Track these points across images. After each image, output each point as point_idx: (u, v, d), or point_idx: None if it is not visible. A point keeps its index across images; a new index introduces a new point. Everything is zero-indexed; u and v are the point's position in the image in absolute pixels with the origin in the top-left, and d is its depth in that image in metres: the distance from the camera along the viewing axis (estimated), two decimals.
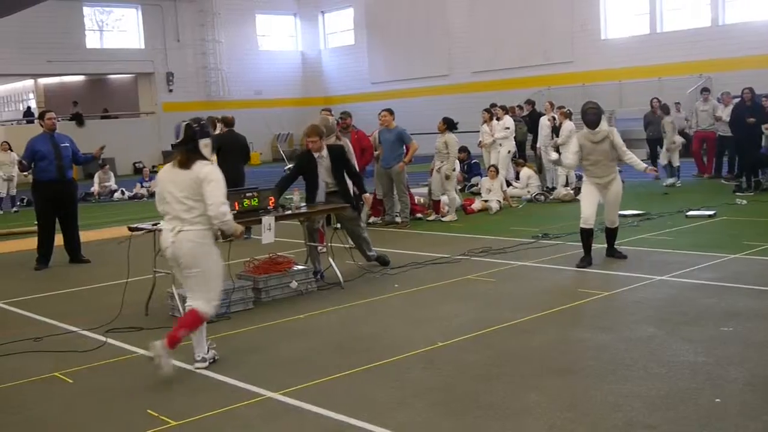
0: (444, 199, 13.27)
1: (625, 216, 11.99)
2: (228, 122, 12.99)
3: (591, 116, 8.67)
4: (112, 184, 22.41)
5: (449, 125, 13.12)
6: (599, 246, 9.08)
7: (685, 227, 11.00)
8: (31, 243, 11.43)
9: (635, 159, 8.95)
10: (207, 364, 5.74)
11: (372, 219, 13.11)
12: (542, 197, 15.24)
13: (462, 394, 5.01)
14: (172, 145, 5.77)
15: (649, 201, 13.69)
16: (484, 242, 10.53)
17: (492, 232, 11.56)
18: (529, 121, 18.40)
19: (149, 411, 4.91)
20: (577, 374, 5.26)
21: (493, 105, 17.29)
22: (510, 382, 5.18)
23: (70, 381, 5.69)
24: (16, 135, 24.94)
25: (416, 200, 14.02)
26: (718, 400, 4.62)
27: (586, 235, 8.76)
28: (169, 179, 5.65)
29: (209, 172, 5.57)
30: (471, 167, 17.81)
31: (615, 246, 9.06)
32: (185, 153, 5.61)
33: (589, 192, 8.80)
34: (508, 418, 4.58)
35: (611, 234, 9.02)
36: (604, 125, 8.70)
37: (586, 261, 8.71)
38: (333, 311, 7.35)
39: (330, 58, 38.62)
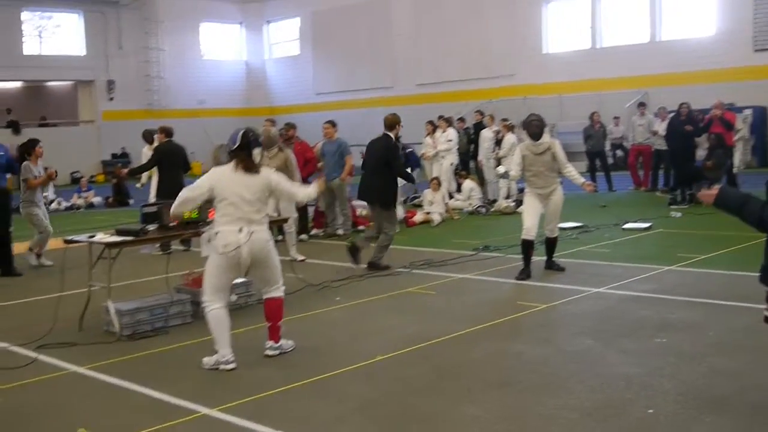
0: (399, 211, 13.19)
1: (564, 228, 12.16)
2: (167, 132, 12.84)
3: (534, 128, 8.83)
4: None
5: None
6: (539, 258, 9.19)
7: (622, 240, 11.20)
8: None
9: (574, 173, 9.05)
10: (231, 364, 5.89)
11: (314, 231, 13.08)
12: (484, 209, 15.37)
13: (401, 408, 5.01)
14: (229, 150, 6.03)
15: (587, 213, 13.90)
16: (426, 255, 10.57)
17: (433, 244, 11.61)
18: (474, 132, 18.51)
19: (81, 430, 4.78)
20: (514, 387, 5.30)
21: (440, 117, 17.38)
22: (449, 396, 5.19)
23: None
24: None
25: (358, 212, 14.00)
26: (650, 410, 4.71)
27: (527, 247, 8.84)
28: (238, 181, 5.90)
29: (275, 175, 6.24)
30: (408, 157, 17.39)
31: (554, 258, 9.17)
32: (247, 159, 5.96)
33: (532, 203, 8.90)
34: (446, 431, 4.59)
35: (551, 244, 9.13)
36: (546, 137, 8.88)
37: (525, 273, 8.78)
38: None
39: (274, 68, 38.45)
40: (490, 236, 11.91)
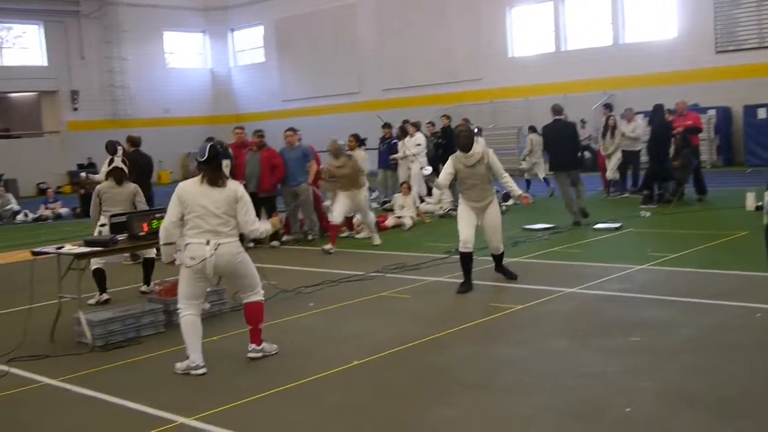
0: (371, 218, 13.10)
1: (534, 230, 12.26)
2: (134, 142, 12.73)
3: (463, 140, 8.35)
4: (13, 205, 21.59)
5: (359, 141, 13.23)
6: (514, 260, 9.22)
7: (593, 240, 11.29)
8: None
9: (511, 182, 8.75)
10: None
11: (285, 237, 13.03)
12: (455, 212, 15.36)
13: (379, 413, 5.00)
14: (197, 162, 6.02)
15: (558, 215, 13.97)
16: (398, 258, 10.56)
17: (406, 248, 11.61)
18: (443, 136, 18.54)
19: None
20: (491, 388, 5.32)
21: (405, 121, 17.43)
22: (426, 399, 5.19)
23: None
24: None
25: (329, 217, 13.96)
26: (628, 409, 4.74)
27: (465, 259, 8.39)
28: (202, 194, 5.90)
29: (243, 192, 6.08)
30: (391, 147, 17.28)
31: (504, 266, 8.84)
32: (213, 171, 5.94)
33: (466, 215, 8.47)
34: None
35: (497, 259, 8.80)
36: (477, 148, 8.35)
37: (465, 285, 8.34)
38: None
39: (240, 75, 38.30)
40: (458, 239, 11.92)
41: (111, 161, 13.90)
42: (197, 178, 6.00)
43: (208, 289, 7.75)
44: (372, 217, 12.51)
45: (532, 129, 18.62)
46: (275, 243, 12.60)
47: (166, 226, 6.03)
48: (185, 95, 36.50)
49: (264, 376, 5.85)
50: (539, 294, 7.97)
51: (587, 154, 20.94)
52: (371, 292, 8.60)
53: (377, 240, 12.15)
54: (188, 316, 6.00)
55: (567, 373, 5.48)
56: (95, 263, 8.42)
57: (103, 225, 8.44)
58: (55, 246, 7.70)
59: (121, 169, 9.33)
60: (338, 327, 7.31)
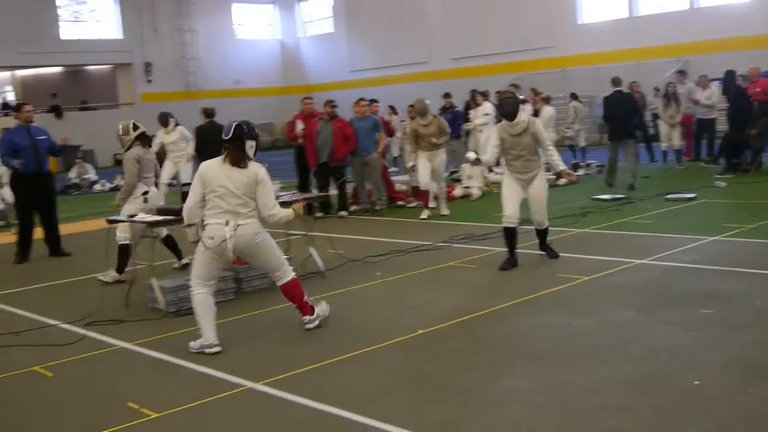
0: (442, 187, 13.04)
1: (605, 200, 12.08)
2: (208, 113, 12.95)
3: (507, 107, 8.04)
4: (91, 175, 22.23)
5: None
6: (583, 230, 9.10)
7: (665, 210, 11.06)
8: (10, 237, 11.35)
9: (556, 156, 8.43)
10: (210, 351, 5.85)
11: (353, 207, 13.14)
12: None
13: (441, 381, 5.03)
14: (222, 140, 5.94)
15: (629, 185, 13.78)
16: (466, 229, 10.54)
17: (473, 218, 11.57)
18: None
19: (130, 404, 4.89)
20: (556, 359, 5.29)
21: (474, 91, 17.30)
22: (489, 369, 5.20)
23: (50, 375, 5.66)
24: None
25: (396, 187, 14.02)
26: (696, 382, 4.66)
27: (509, 234, 8.14)
28: (224, 174, 5.85)
29: (264, 174, 5.97)
30: (456, 116, 17.00)
31: (549, 244, 8.49)
32: (236, 151, 5.87)
33: (511, 188, 8.19)
34: (486, 404, 4.61)
35: (542, 235, 8.46)
36: (523, 116, 8.07)
37: (509, 262, 8.11)
38: (314, 300, 7.33)
39: (309, 46, 38.43)
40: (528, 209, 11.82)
41: (165, 133, 14.22)
42: (221, 158, 5.94)
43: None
44: (443, 186, 12.50)
45: (574, 96, 18.29)
46: (343, 213, 12.72)
47: (189, 206, 6.00)
48: (255, 67, 36.84)
49: (329, 343, 5.94)
50: (608, 265, 7.86)
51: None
52: (438, 262, 8.61)
53: (445, 210, 12.14)
54: (200, 294, 5.94)
55: (634, 345, 5.42)
56: (166, 231, 8.64)
57: (146, 193, 8.46)
58: (128, 214, 7.93)
59: (148, 135, 9.23)
60: (404, 296, 7.35)
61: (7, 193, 12.34)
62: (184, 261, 8.82)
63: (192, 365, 5.61)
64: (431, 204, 12.48)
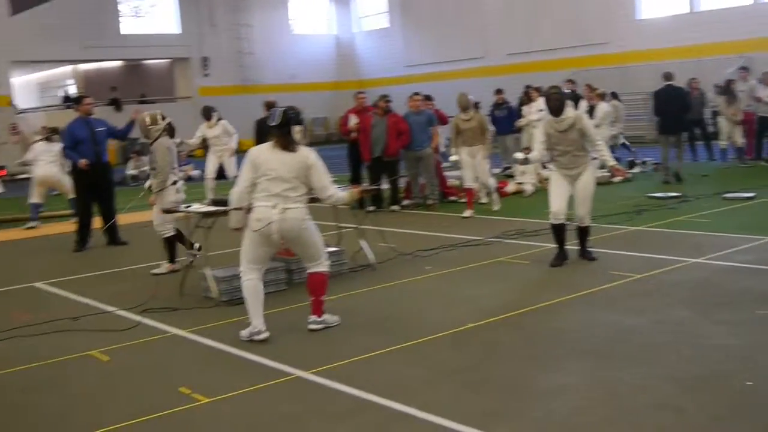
0: (491, 183, 12.97)
1: (660, 198, 11.89)
2: (270, 106, 13.07)
3: (553, 103, 7.88)
4: (147, 168, 22.59)
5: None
6: (638, 228, 8.99)
7: (722, 209, 10.84)
8: (70, 225, 11.64)
9: (605, 152, 8.24)
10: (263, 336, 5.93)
11: (405, 201, 13.16)
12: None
13: (490, 374, 5.03)
14: (269, 127, 6.04)
15: (687, 183, 13.53)
16: (518, 224, 10.49)
17: (526, 214, 11.49)
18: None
19: (181, 389, 5.00)
20: (606, 356, 5.24)
21: (528, 87, 17.17)
22: (539, 364, 5.18)
23: (106, 359, 5.81)
24: (56, 121, 25.26)
25: (449, 183, 13.99)
26: (749, 383, 4.58)
27: (557, 231, 8.06)
28: (275, 158, 5.92)
29: (316, 158, 6.04)
30: (511, 112, 17.00)
31: (587, 247, 8.26)
32: (284, 136, 5.95)
33: (558, 184, 8.05)
34: (534, 398, 4.60)
35: (582, 234, 8.23)
36: (569, 111, 7.90)
37: (560, 258, 8.03)
38: (364, 292, 7.39)
39: (364, 41, 38.50)
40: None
41: (208, 126, 14.37)
42: (270, 143, 6.00)
43: (329, 249, 7.99)
44: (493, 181, 12.43)
45: (614, 95, 17.89)
46: (395, 207, 12.76)
47: (239, 191, 6.02)
48: (310, 61, 37.04)
49: (379, 335, 5.98)
50: (662, 263, 7.75)
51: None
52: (488, 257, 8.59)
53: (496, 205, 12.09)
54: (250, 280, 5.99)
55: (686, 344, 5.34)
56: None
57: (175, 183, 8.52)
58: (185, 205, 8.07)
59: (173, 126, 9.24)
60: (454, 290, 7.35)
61: (66, 180, 12.68)
62: (170, 267, 8.74)
63: (243, 353, 5.70)
64: (484, 200, 12.45)
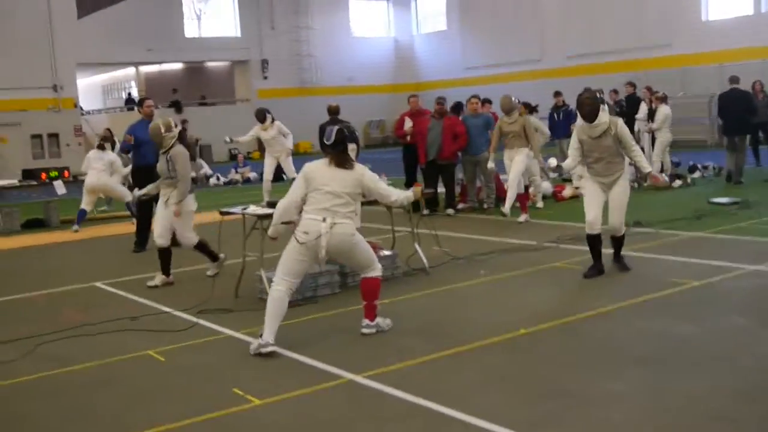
0: (545, 185, 12.90)
1: (721, 204, 11.65)
2: (332, 110, 13.22)
3: (587, 108, 7.53)
4: (206, 170, 22.91)
5: (530, 109, 13.13)
6: (697, 234, 8.82)
7: None
8: (130, 227, 11.90)
9: (642, 158, 7.83)
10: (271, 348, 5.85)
11: (461, 205, 13.12)
12: (636, 184, 14.85)
13: (542, 381, 5.00)
14: (322, 145, 6.28)
15: (748, 189, 13.23)
16: (574, 230, 10.34)
17: (582, 219, 11.29)
18: (625, 105, 17.94)
19: (235, 390, 5.08)
20: (661, 365, 5.16)
21: (586, 89, 16.93)
22: (592, 371, 5.13)
23: (162, 359, 5.93)
24: (119, 122, 25.87)
25: (506, 186, 13.89)
26: None
27: (593, 242, 7.80)
28: (330, 174, 6.02)
29: (370, 173, 6.22)
30: (569, 116, 16.52)
31: (621, 254, 8.05)
32: (339, 154, 6.07)
33: (593, 193, 7.81)
34: (588, 406, 4.55)
35: (616, 243, 8.02)
36: (604, 117, 7.54)
37: (596, 269, 7.76)
38: (417, 297, 7.40)
39: (422, 43, 38.55)
40: (641, 211, 11.51)
41: (262, 128, 14.58)
42: (325, 160, 6.08)
43: (383, 253, 8.03)
44: (536, 180, 12.77)
45: (663, 99, 17.19)
46: (450, 211, 12.73)
47: (286, 205, 6.08)
48: (368, 64, 37.25)
49: (431, 339, 5.98)
50: (720, 270, 7.60)
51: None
52: (543, 262, 8.53)
53: (539, 203, 12.70)
54: (278, 291, 5.92)
55: (744, 353, 5.23)
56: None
57: (192, 190, 8.55)
58: (241, 207, 8.18)
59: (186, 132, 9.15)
60: (508, 295, 7.32)
61: (116, 180, 13.19)
62: (164, 280, 8.67)
63: (296, 355, 5.76)
64: (539, 204, 12.47)
